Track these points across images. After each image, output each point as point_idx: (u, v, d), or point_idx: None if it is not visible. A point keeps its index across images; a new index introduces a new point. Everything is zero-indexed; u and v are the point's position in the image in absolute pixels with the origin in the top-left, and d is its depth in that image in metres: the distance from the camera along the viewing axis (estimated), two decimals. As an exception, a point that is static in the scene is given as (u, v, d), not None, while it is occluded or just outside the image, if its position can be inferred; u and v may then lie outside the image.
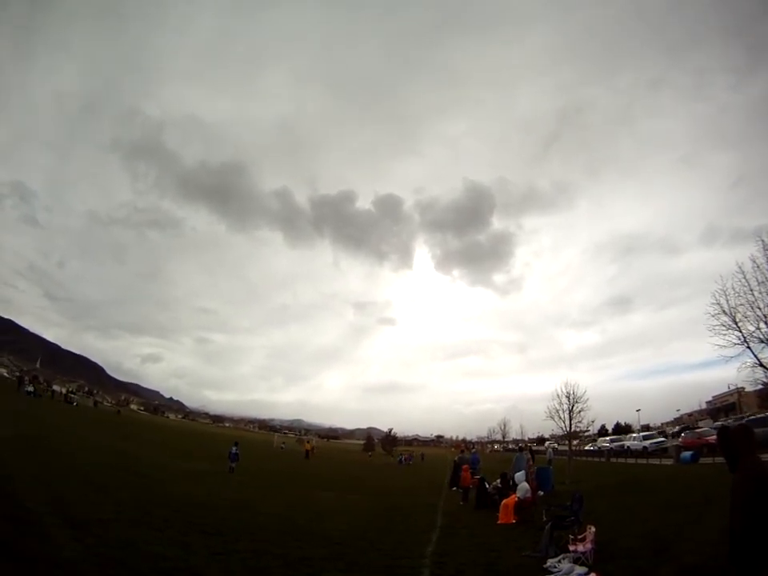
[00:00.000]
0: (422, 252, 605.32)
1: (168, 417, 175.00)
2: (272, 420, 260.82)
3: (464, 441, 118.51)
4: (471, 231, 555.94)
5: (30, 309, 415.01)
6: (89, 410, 65.31)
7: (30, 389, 58.07)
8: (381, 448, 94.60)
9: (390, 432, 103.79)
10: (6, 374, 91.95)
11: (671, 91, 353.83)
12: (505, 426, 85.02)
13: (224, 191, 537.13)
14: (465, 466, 22.38)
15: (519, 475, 16.80)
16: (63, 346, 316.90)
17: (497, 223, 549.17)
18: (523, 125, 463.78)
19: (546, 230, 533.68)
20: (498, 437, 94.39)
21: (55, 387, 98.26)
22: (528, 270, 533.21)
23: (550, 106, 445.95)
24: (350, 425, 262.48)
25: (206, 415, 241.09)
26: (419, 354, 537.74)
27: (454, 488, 23.14)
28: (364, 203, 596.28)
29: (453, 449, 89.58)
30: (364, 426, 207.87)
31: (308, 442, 67.32)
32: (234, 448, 25.96)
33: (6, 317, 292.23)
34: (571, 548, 8.87)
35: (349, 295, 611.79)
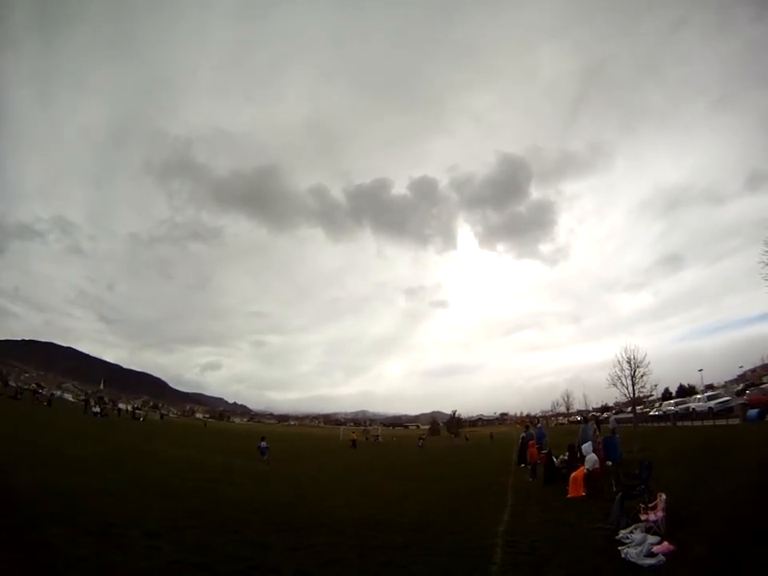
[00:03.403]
0: (465, 231, 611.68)
1: (233, 421, 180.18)
2: (336, 414, 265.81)
3: (528, 416, 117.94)
4: (510, 204, 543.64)
5: (87, 334, 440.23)
6: (155, 424, 68.05)
7: (97, 409, 61.24)
8: (446, 431, 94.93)
9: (454, 414, 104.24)
10: (71, 399, 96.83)
11: (694, 32, 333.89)
12: (568, 397, 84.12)
13: (260, 196, 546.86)
14: (531, 442, 22.27)
15: (586, 446, 16.56)
16: (124, 366, 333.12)
17: (535, 193, 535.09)
18: (548, 89, 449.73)
19: (587, 194, 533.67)
20: (562, 409, 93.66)
21: (121, 405, 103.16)
22: (573, 236, 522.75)
23: (573, 67, 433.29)
24: (413, 411, 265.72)
25: (271, 416, 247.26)
26: (475, 334, 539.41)
27: (522, 465, 23.06)
28: (399, 189, 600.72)
29: (518, 425, 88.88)
30: (428, 410, 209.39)
31: (353, 432, 69.25)
32: (262, 443, 28.59)
33: (65, 345, 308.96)
34: (642, 517, 8.79)
35: (398, 282, 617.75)
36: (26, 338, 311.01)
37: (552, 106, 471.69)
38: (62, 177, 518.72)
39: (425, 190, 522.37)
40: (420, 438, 63.57)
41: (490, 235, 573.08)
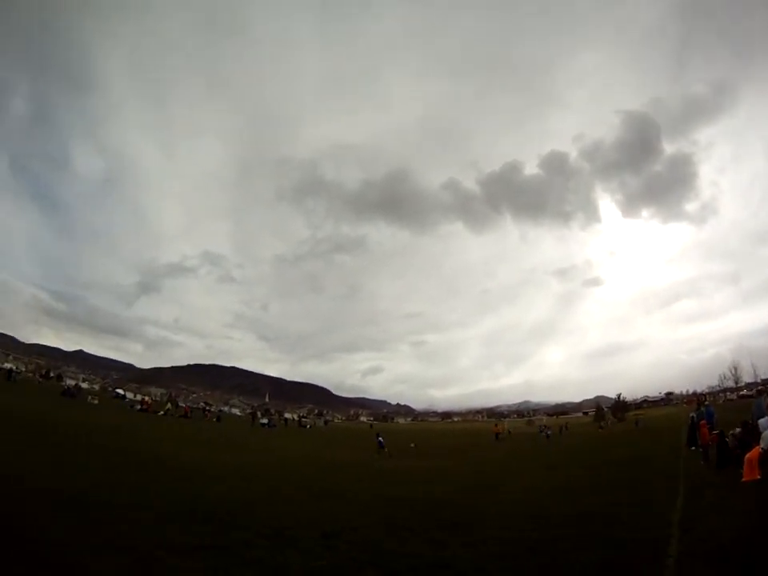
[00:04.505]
0: (605, 202, 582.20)
1: (397, 422, 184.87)
2: (499, 406, 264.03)
3: (695, 394, 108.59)
4: (646, 164, 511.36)
5: (249, 353, 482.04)
6: (320, 430, 71.30)
7: (264, 421, 65.71)
8: (612, 415, 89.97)
9: (618, 397, 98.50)
10: (238, 413, 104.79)
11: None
12: (735, 369, 76.41)
13: (394, 200, 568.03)
14: (702, 422, 20.00)
15: (763, 422, 14.43)
16: (287, 379, 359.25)
17: (668, 147, 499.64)
18: (651, 36, 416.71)
19: (721, 139, 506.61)
20: (730, 383, 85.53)
21: (287, 415, 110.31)
22: (717, 189, 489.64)
23: (672, 6, 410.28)
24: (576, 397, 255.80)
25: (434, 413, 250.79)
26: (632, 309, 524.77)
27: (693, 447, 20.91)
28: (531, 169, 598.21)
29: (685, 404, 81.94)
30: (591, 395, 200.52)
31: (495, 425, 67.85)
32: (380, 438, 34.15)
33: (229, 365, 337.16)
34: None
35: (547, 265, 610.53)
36: (191, 363, 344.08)
37: (659, 51, 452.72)
38: (201, 216, 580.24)
39: (556, 165, 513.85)
40: (545, 428, 60.51)
41: (631, 202, 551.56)
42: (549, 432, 55.81)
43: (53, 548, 6.34)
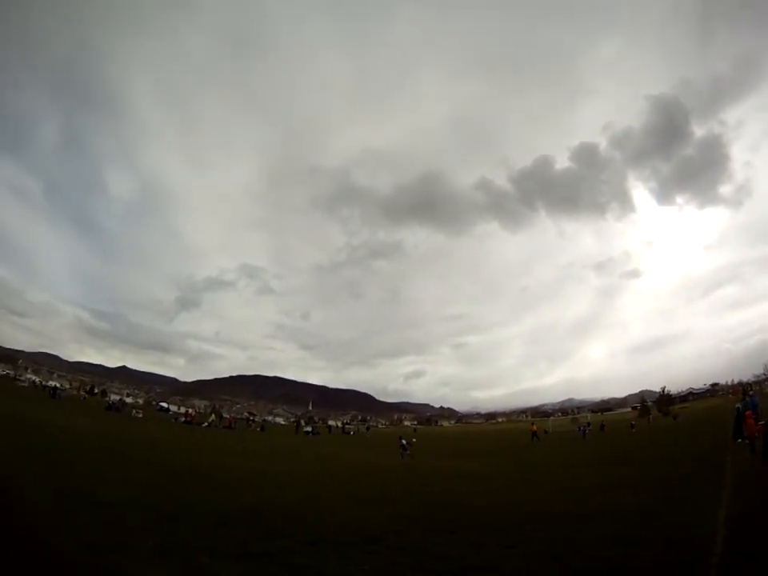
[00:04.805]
0: (639, 191, 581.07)
1: (441, 425, 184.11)
2: (543, 405, 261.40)
3: (740, 384, 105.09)
4: (676, 148, 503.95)
5: (291, 362, 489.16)
6: (363, 436, 71.56)
7: (308, 428, 66.40)
8: (656, 410, 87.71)
9: (663, 391, 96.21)
10: (282, 422, 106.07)
11: None
12: None
13: (428, 203, 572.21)
14: (748, 413, 19.34)
15: None
16: (330, 386, 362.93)
17: (698, 130, 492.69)
18: (670, 13, 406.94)
19: (751, 117, 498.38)
20: None
21: (330, 423, 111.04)
22: (751, 169, 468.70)
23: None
24: (620, 393, 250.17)
25: (478, 415, 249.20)
26: (673, 299, 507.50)
27: (739, 440, 20.23)
28: (562, 162, 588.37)
29: (730, 395, 79.24)
30: (635, 390, 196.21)
31: (532, 424, 66.99)
32: (403, 441, 34.88)
33: (272, 375, 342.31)
34: None
35: (584, 259, 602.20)
36: (234, 374, 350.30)
37: (680, 28, 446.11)
38: (237, 229, 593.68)
39: (586, 156, 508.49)
40: (583, 426, 58.65)
41: (665, 189, 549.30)
42: (586, 430, 54.35)
43: (107, 555, 6.62)
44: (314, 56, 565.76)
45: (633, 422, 61.12)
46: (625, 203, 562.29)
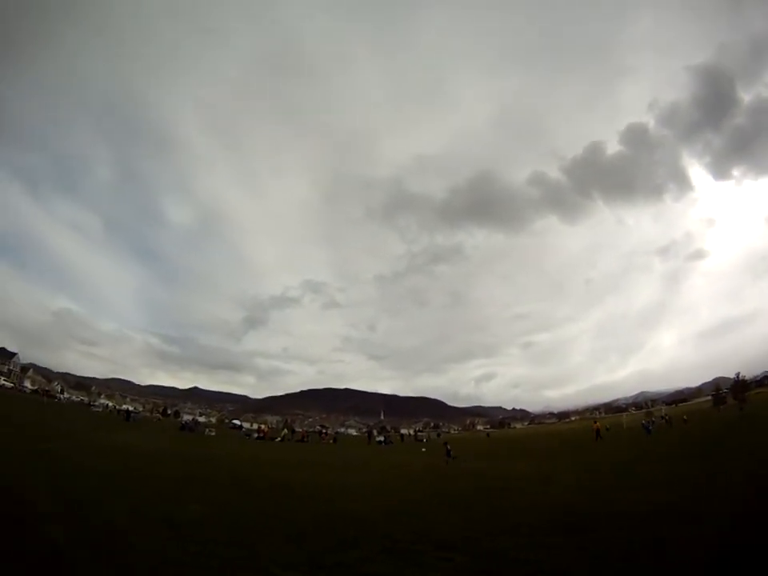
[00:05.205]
0: (694, 168, 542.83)
1: (514, 427, 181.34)
2: (616, 400, 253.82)
3: None
4: (726, 118, 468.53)
5: (361, 374, 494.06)
6: (435, 443, 71.15)
7: (380, 438, 66.53)
8: (732, 397, 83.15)
9: (737, 377, 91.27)
10: (354, 433, 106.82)
11: None
12: None
13: (483, 203, 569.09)
14: None
15: None
16: (401, 395, 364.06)
17: (745, 96, 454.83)
18: None
19: None
20: None
21: (403, 431, 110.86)
22: None
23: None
24: (694, 382, 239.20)
25: (551, 415, 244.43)
26: (741, 278, 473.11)
27: None
28: (612, 147, 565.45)
29: None
30: (709, 378, 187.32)
31: (595, 421, 62.93)
32: (448, 447, 35.80)
33: (343, 387, 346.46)
34: None
35: (646, 245, 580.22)
36: (304, 389, 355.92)
37: None
38: (297, 246, 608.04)
39: (636, 138, 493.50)
40: (647, 422, 54.86)
41: (720, 162, 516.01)
42: (651, 425, 51.48)
43: (179, 569, 6.93)
44: (349, 69, 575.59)
45: (685, 417, 58.02)
46: (681, 182, 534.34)
